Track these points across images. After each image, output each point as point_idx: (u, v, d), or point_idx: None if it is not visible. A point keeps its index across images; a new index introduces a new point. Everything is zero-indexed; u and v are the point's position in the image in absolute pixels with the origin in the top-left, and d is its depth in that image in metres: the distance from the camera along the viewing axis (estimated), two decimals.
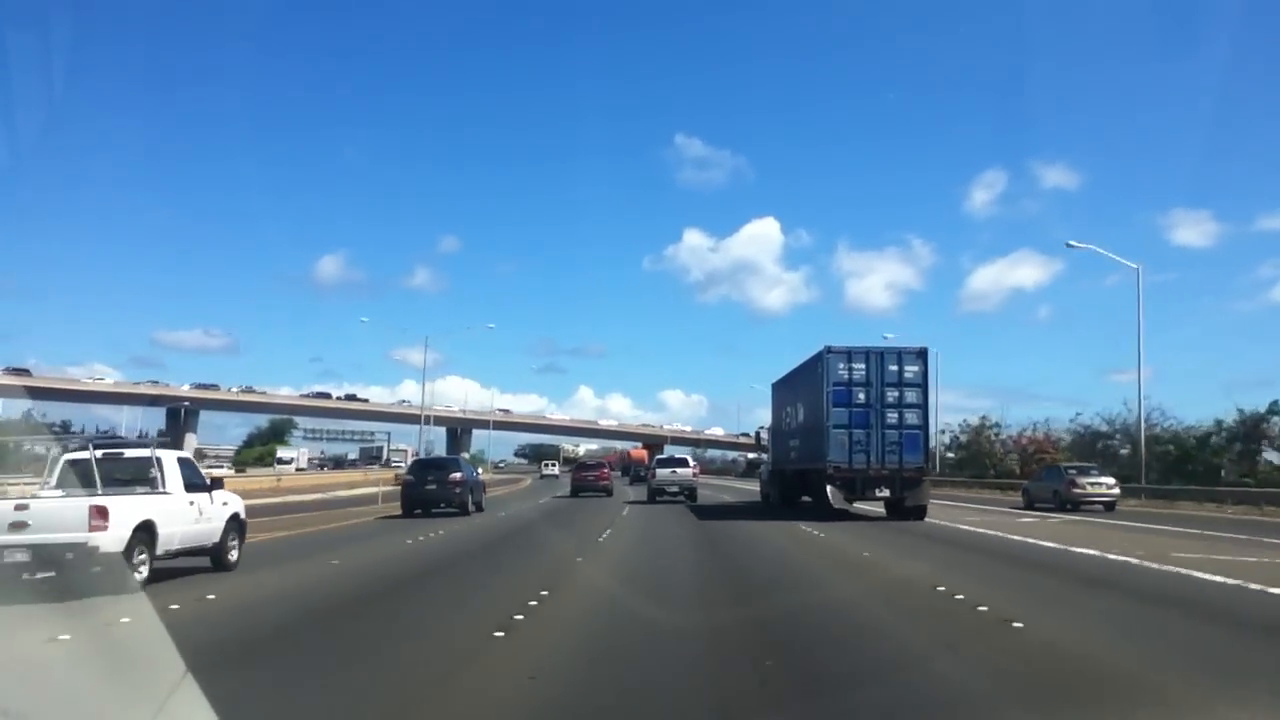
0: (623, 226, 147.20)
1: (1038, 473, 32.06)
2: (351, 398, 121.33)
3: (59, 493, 9.69)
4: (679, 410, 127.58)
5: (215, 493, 11.65)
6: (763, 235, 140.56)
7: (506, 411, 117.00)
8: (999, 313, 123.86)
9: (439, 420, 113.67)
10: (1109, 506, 25.99)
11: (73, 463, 10.44)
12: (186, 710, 4.59)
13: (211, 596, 9.23)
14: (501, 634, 7.13)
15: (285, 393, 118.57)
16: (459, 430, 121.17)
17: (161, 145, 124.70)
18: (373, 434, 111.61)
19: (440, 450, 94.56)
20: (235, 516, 11.80)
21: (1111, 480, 27.21)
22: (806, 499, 22.08)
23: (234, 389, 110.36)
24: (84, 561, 9.03)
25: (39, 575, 9.04)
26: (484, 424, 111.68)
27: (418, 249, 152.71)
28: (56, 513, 9.11)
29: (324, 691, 6.00)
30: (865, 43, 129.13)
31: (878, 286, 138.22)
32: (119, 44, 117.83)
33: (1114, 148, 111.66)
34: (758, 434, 37.25)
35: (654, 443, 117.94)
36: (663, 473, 30.87)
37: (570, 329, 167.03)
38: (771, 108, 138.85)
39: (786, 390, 26.64)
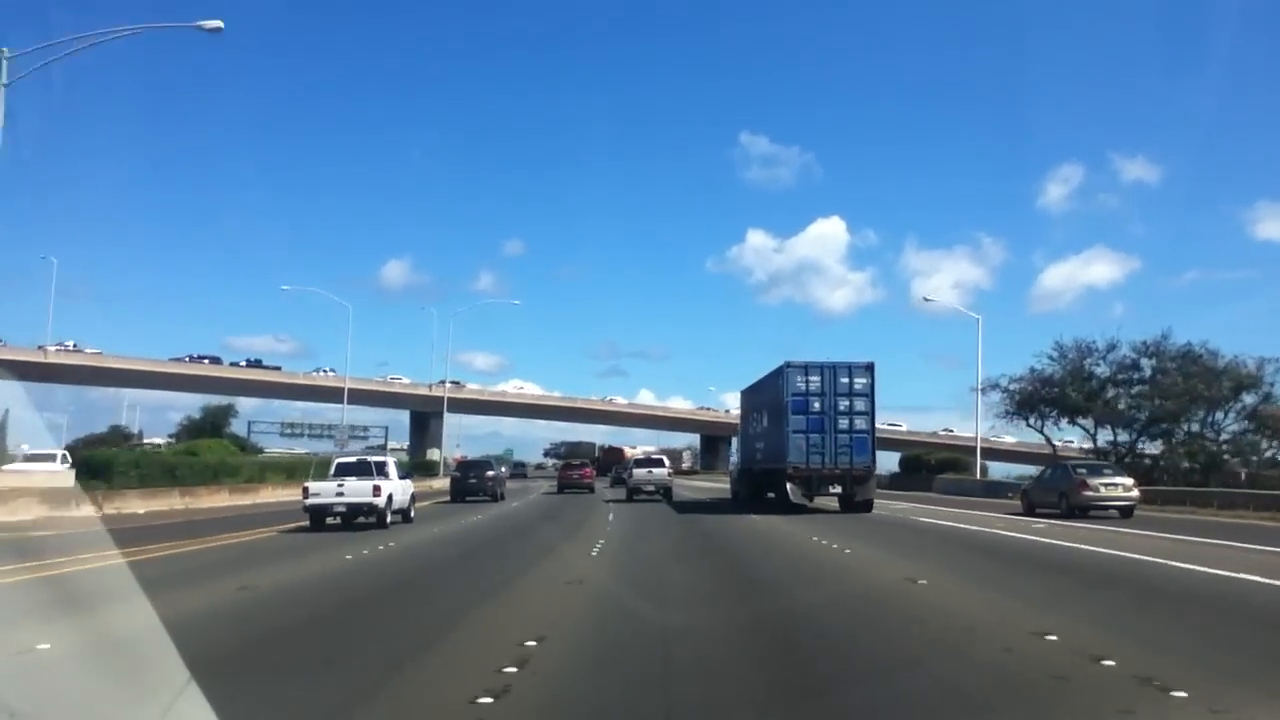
0: (685, 228, 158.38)
1: (1041, 473, 31.51)
2: (256, 364, 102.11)
3: (353, 478, 21.74)
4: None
5: (407, 480, 23.95)
6: (828, 235, 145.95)
7: (457, 384, 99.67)
8: (1070, 312, 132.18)
9: (356, 395, 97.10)
10: (1125, 512, 25.03)
11: (342, 464, 22.97)
12: (190, 709, 4.70)
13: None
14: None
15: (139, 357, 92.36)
16: (427, 415, 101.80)
17: (229, 151, 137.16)
18: (366, 429, 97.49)
19: (405, 439, 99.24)
20: (413, 494, 24.19)
21: (1129, 481, 26.02)
22: (771, 495, 26.60)
23: (51, 346, 79.27)
24: (369, 512, 21.24)
25: (337, 519, 21.58)
26: (462, 404, 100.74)
27: (482, 252, 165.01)
28: (356, 488, 21.25)
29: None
30: (936, 37, 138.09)
31: (945, 286, 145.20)
32: (185, 50, 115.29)
33: (1197, 139, 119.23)
34: (729, 440, 41.78)
35: (714, 434, 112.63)
36: (640, 472, 35.92)
37: (632, 332, 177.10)
38: (839, 104, 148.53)
39: (753, 398, 31.70)
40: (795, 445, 27.83)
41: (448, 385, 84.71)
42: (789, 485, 27.86)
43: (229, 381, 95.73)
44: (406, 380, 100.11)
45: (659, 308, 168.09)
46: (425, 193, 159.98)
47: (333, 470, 22.51)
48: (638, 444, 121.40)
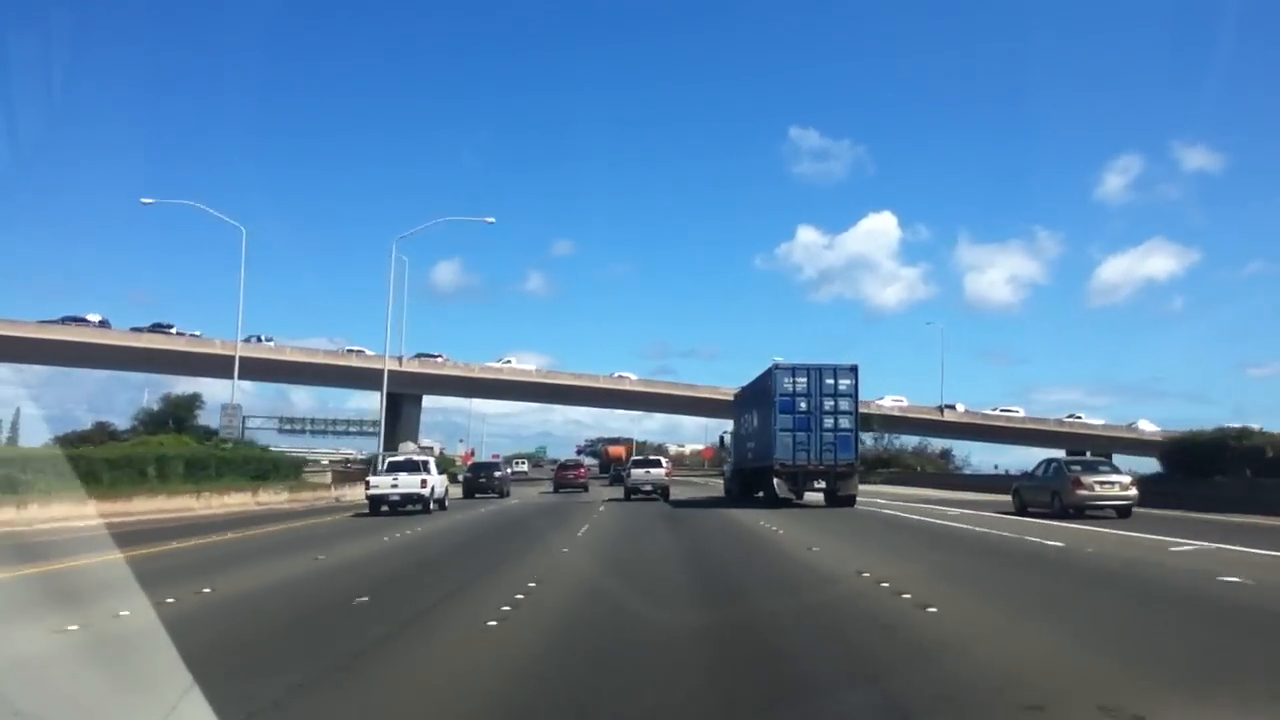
0: (734, 225, 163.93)
1: (1033, 470, 31.07)
2: (155, 328, 79.99)
3: (404, 473, 28.22)
4: None
5: (443, 475, 31.49)
6: (879, 230, 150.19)
7: (435, 358, 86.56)
8: (1128, 306, 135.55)
9: (306, 371, 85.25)
10: (1123, 513, 25.06)
11: (393, 462, 30.40)
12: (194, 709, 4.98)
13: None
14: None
15: None
16: (399, 398, 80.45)
17: (279, 153, 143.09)
18: (375, 424, 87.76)
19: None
20: (447, 487, 31.39)
21: (1127, 479, 25.88)
22: (760, 493, 28.06)
23: None
24: (416, 500, 27.91)
25: (386, 507, 28.23)
26: (441, 383, 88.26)
27: (531, 253, 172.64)
28: (408, 481, 28.08)
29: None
30: (991, 28, 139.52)
31: (999, 280, 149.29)
32: (233, 49, 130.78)
33: (1260, 125, 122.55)
34: (721, 438, 43.73)
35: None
36: (637, 472, 38.11)
37: (682, 331, 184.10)
38: (891, 95, 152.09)
39: (745, 400, 33.81)
40: (782, 443, 29.73)
41: (401, 359, 67.14)
42: (776, 481, 29.34)
43: (90, 349, 76.24)
44: (369, 353, 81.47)
45: (708, 306, 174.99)
46: (475, 193, 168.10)
47: (385, 467, 31.36)
48: (685, 441, 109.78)
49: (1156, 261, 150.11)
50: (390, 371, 65.30)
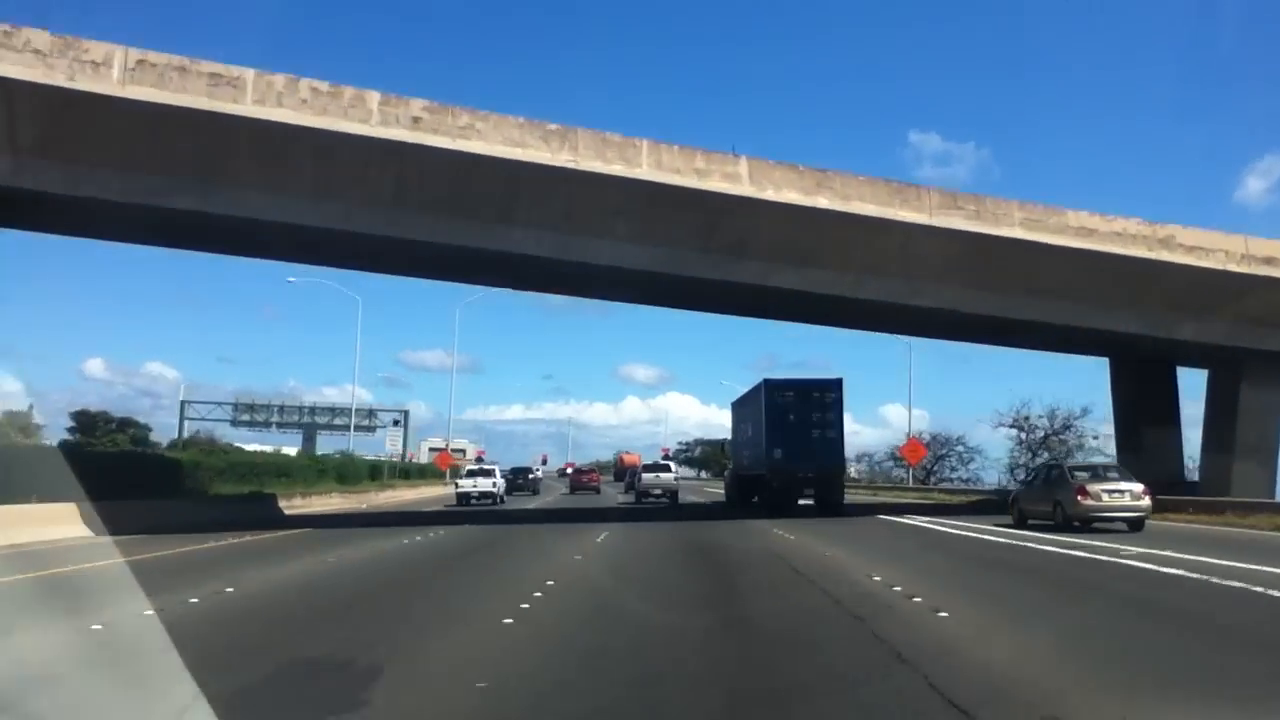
0: None
1: (1032, 477, 30.32)
2: None
3: (481, 478, 42.77)
4: (898, 424, 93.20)
5: (502, 479, 49.39)
6: None
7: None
8: None
9: None
10: (1134, 525, 23.18)
11: (471, 470, 48.18)
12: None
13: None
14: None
15: None
16: None
17: None
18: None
19: None
20: (504, 486, 50.78)
21: (1139, 488, 23.63)
22: (756, 498, 30.51)
23: None
24: (490, 496, 42.72)
25: (472, 503, 43.16)
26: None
27: None
28: (484, 483, 42.68)
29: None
30: (1122, 29, 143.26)
31: None
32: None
33: None
34: (722, 445, 46.44)
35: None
36: (648, 477, 41.67)
37: (792, 344, 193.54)
38: (1015, 97, 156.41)
39: (741, 411, 37.44)
40: (773, 453, 31.37)
41: None
42: (769, 488, 31.54)
43: None
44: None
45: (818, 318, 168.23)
46: None
47: (466, 473, 45.49)
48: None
49: None
50: None
